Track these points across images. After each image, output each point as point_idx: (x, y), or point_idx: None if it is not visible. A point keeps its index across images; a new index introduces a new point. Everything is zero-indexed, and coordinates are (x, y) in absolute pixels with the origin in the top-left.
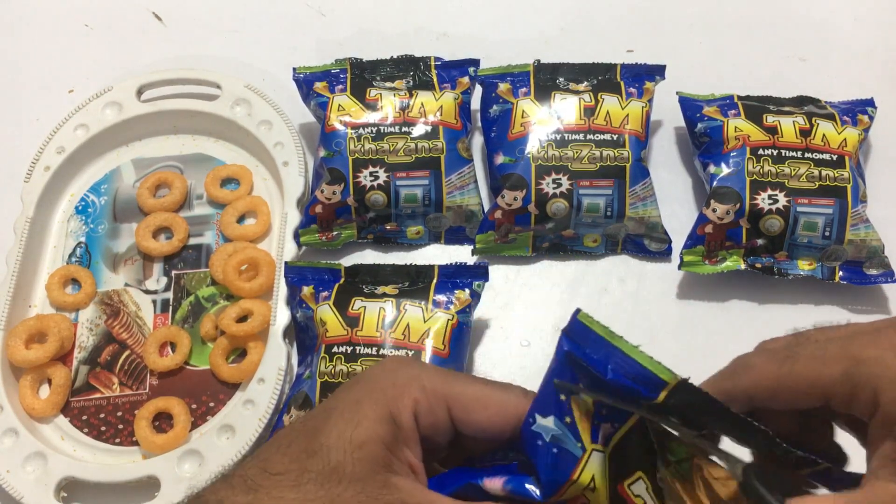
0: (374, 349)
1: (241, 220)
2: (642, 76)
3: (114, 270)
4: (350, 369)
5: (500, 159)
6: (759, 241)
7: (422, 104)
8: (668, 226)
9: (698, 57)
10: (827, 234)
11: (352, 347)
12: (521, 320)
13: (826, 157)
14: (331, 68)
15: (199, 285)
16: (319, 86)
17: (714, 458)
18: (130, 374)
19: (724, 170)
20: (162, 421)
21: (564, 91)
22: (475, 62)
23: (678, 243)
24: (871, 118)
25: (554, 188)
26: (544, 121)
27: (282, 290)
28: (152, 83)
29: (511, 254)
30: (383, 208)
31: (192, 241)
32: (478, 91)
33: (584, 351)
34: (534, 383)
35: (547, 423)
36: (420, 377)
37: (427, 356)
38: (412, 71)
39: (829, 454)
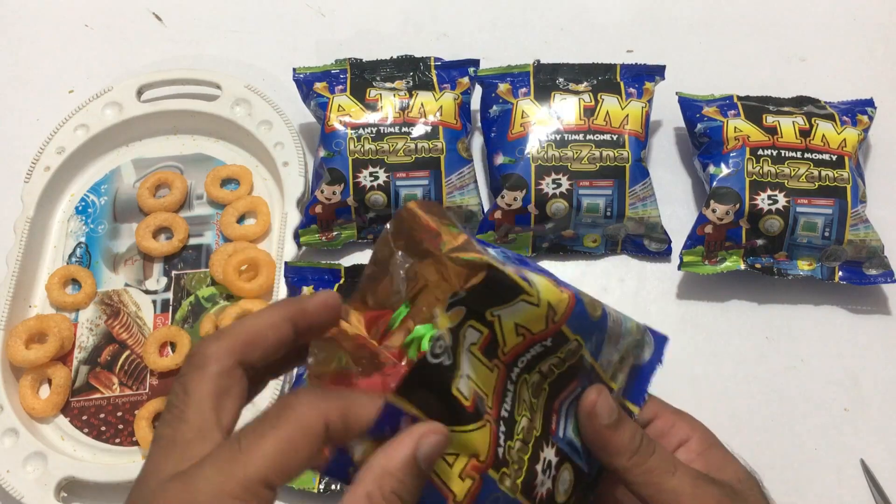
0: None
1: (241, 220)
2: (642, 76)
3: (114, 270)
4: None
5: (500, 159)
6: (759, 242)
7: (422, 104)
8: (668, 226)
9: (698, 57)
10: (827, 234)
11: None
12: None
13: (826, 157)
14: (331, 68)
15: (199, 285)
16: (319, 86)
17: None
18: (130, 374)
19: (724, 170)
20: None
21: (564, 91)
22: (475, 62)
23: (678, 243)
24: (871, 118)
25: (554, 188)
26: (544, 121)
27: (282, 290)
28: (152, 83)
29: None
30: (383, 208)
31: (192, 241)
32: (478, 91)
33: None
34: None
35: None
36: (208, 352)
37: None
38: (412, 71)
39: None
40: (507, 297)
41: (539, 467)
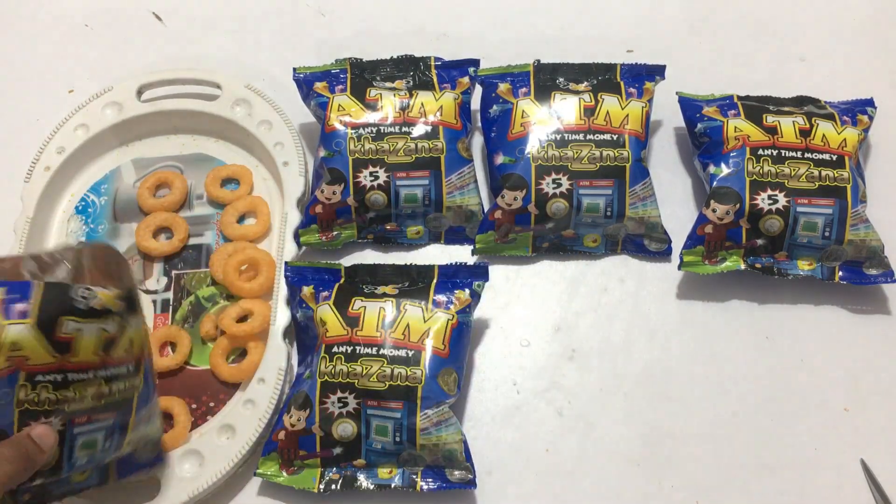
0: (374, 349)
1: (241, 219)
2: (642, 76)
3: None
4: (350, 369)
5: (500, 159)
6: (759, 242)
7: (422, 104)
8: (668, 226)
9: (698, 57)
10: (827, 234)
11: (352, 347)
12: (521, 320)
13: (826, 157)
14: (331, 68)
15: (199, 285)
16: (319, 86)
17: None
18: None
19: (724, 170)
20: (162, 421)
21: (564, 91)
22: (475, 62)
23: (678, 243)
24: (871, 118)
25: (554, 188)
26: (544, 121)
27: (282, 290)
28: (152, 83)
29: (511, 254)
30: (383, 208)
31: (192, 241)
32: (478, 91)
33: None
34: (534, 383)
35: None
36: None
37: (427, 356)
38: (412, 71)
39: None
40: None
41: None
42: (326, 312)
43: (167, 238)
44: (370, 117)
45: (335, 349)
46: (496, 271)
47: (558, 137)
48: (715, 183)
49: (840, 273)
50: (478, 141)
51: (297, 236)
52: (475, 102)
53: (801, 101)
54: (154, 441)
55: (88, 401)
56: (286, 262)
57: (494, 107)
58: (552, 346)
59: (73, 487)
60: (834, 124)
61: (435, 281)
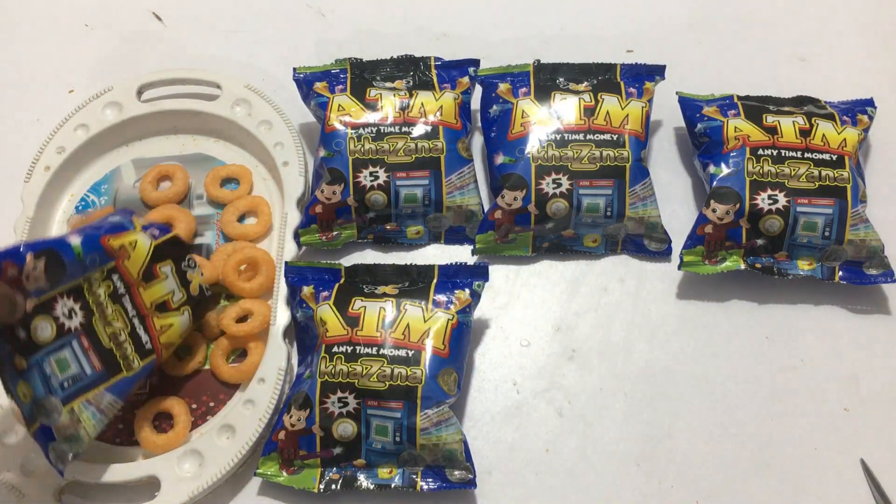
0: (375, 349)
1: (241, 219)
2: (642, 76)
3: None
4: (350, 369)
5: (500, 159)
6: (759, 241)
7: (422, 104)
8: (668, 226)
9: (698, 57)
10: (827, 234)
11: (352, 347)
12: (521, 320)
13: (826, 157)
14: (331, 68)
15: None
16: (319, 86)
17: None
18: None
19: (724, 170)
20: (162, 421)
21: (564, 91)
22: (475, 62)
23: (678, 243)
24: (871, 118)
25: (554, 188)
26: (544, 121)
27: (282, 290)
28: (152, 83)
29: (511, 254)
30: (383, 208)
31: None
32: (478, 91)
33: None
34: (534, 383)
35: None
36: None
37: (427, 356)
38: (412, 71)
39: None
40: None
41: None
42: (326, 312)
43: None
44: (370, 117)
45: (335, 349)
46: (496, 271)
47: (558, 137)
48: (715, 183)
49: (840, 273)
50: (478, 141)
51: (297, 236)
52: (475, 102)
53: (801, 101)
54: (76, 440)
55: None
56: (286, 262)
57: (494, 107)
58: (552, 346)
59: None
60: (834, 124)
61: (435, 281)
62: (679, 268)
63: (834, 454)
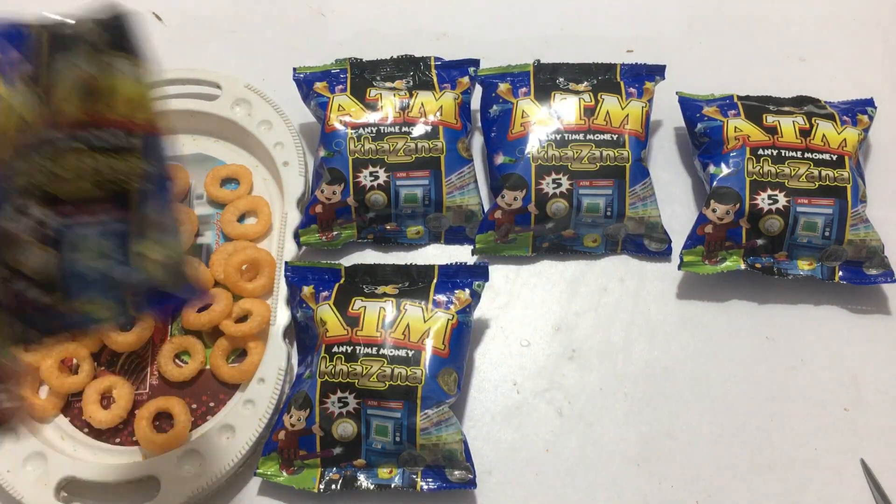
0: (375, 349)
1: (241, 219)
2: (642, 76)
3: None
4: (350, 369)
5: (500, 159)
6: (759, 241)
7: (422, 104)
8: (668, 226)
9: (698, 57)
10: (827, 234)
11: (352, 347)
12: (521, 320)
13: (826, 157)
14: (331, 68)
15: None
16: (319, 86)
17: None
18: (131, 374)
19: (724, 170)
20: (162, 421)
21: (564, 91)
22: (475, 62)
23: (678, 243)
24: (871, 118)
25: (554, 188)
26: (544, 121)
27: (282, 290)
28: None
29: (511, 254)
30: (383, 208)
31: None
32: (478, 91)
33: None
34: (534, 383)
35: None
36: None
37: (427, 356)
38: (412, 71)
39: None
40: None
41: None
42: (326, 312)
43: None
44: (370, 117)
45: (335, 349)
46: (496, 271)
47: (558, 137)
48: (715, 183)
49: (840, 273)
50: (478, 141)
51: (297, 236)
52: (475, 102)
53: (801, 101)
54: (176, 263)
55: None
56: (286, 262)
57: (494, 107)
58: (552, 346)
59: (82, 319)
60: (834, 124)
61: (435, 281)
62: (679, 268)
63: (834, 454)
